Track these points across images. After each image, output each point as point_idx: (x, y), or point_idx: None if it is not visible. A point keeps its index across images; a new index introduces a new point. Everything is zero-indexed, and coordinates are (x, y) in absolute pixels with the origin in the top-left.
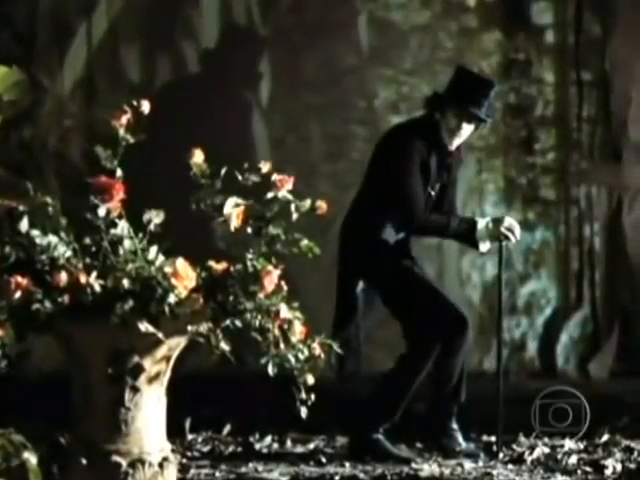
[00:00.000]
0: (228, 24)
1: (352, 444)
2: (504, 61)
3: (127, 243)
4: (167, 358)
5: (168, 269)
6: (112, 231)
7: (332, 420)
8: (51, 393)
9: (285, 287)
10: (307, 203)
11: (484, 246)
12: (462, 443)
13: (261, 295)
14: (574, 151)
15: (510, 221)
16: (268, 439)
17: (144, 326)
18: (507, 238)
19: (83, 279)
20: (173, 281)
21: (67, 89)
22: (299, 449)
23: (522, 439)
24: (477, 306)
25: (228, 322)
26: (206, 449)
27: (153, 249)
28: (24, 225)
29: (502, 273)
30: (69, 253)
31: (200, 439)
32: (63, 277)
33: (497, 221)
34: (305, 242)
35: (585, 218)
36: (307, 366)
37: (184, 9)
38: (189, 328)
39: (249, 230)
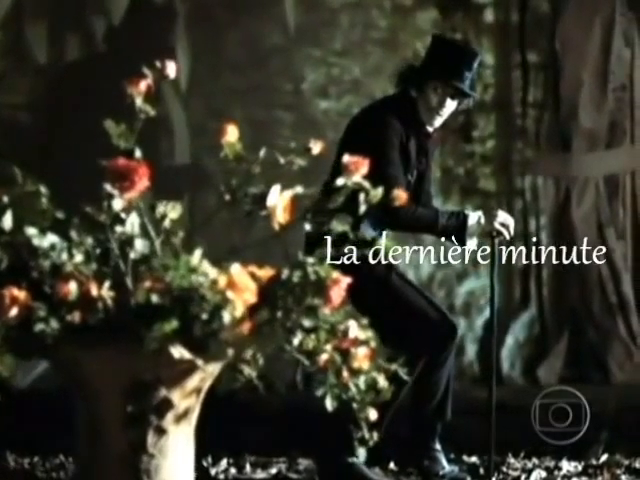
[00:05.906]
0: None
1: (323, 469)
2: None
3: (139, 243)
4: (198, 390)
5: (221, 278)
6: (120, 229)
7: (289, 439)
8: None
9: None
10: (379, 192)
11: (471, 243)
12: (446, 466)
13: (326, 310)
14: (518, 139)
15: (504, 216)
16: (223, 463)
17: (178, 351)
18: (500, 234)
19: (94, 291)
20: (229, 294)
21: None
22: (260, 474)
23: (511, 460)
24: None
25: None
26: None
27: (197, 252)
28: (7, 221)
29: (494, 275)
30: (79, 258)
31: None
32: (72, 288)
33: (490, 216)
34: (384, 241)
35: (530, 211)
36: (369, 397)
37: None
38: (230, 352)
39: (307, 227)
